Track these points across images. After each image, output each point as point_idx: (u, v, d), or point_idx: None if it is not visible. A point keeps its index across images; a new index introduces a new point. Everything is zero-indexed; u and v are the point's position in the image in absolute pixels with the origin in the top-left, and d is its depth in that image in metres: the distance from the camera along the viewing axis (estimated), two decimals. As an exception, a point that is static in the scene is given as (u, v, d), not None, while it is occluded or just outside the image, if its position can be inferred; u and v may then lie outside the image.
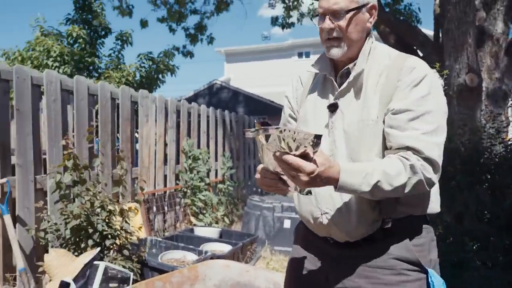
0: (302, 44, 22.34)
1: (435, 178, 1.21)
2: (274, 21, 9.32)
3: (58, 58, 7.15)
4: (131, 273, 2.60)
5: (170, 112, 5.01)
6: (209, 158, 5.55)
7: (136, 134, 4.58)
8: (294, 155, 1.06)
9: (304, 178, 1.08)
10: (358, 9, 1.29)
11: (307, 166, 1.07)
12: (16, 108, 2.98)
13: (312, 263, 1.41)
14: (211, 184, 5.47)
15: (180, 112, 5.24)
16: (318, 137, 1.07)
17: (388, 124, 1.24)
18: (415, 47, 6.09)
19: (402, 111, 1.22)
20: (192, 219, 4.95)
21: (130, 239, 3.00)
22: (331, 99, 1.34)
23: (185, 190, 5.02)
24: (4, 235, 2.79)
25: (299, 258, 1.45)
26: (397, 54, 1.33)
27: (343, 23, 1.28)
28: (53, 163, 3.16)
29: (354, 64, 1.32)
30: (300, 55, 22.75)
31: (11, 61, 7.12)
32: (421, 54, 5.84)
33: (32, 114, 3.07)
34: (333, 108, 1.33)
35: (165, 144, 4.93)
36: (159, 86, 8.77)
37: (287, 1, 9.04)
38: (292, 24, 9.37)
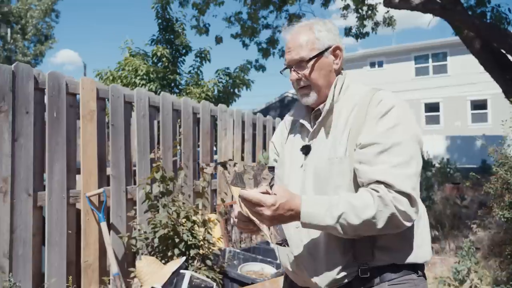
0: (374, 53, 21.73)
1: (412, 211, 1.15)
2: (348, 31, 9.18)
3: (145, 76, 7.69)
4: (214, 283, 2.67)
5: (247, 125, 5.12)
6: (284, 170, 5.55)
7: (214, 147, 4.74)
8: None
9: (267, 212, 1.11)
10: (320, 55, 1.32)
11: (268, 198, 1.11)
12: (111, 124, 3.25)
13: None
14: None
15: (255, 125, 5.34)
16: (271, 169, 1.17)
17: (357, 159, 1.21)
18: (504, 52, 5.62)
19: (369, 145, 1.20)
20: (268, 231, 4.97)
21: (212, 249, 3.09)
22: (306, 141, 1.37)
23: (261, 202, 5.05)
24: (100, 241, 3.03)
25: None
26: (368, 90, 1.32)
27: (307, 71, 1.31)
28: (142, 175, 3.38)
29: (324, 105, 1.34)
30: (372, 64, 22.13)
31: (103, 81, 7.80)
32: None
33: (124, 129, 3.32)
34: (305, 150, 1.35)
35: (242, 158, 5.04)
36: (235, 100, 9.03)
37: (361, 11, 8.86)
38: (367, 34, 9.16)
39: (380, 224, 1.12)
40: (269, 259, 3.51)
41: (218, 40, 9.32)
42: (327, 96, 1.33)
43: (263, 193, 1.12)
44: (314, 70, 1.31)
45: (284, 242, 1.19)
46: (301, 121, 1.40)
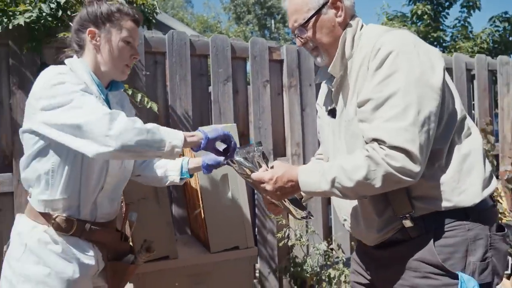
0: None
1: (412, 166, 1.08)
2: None
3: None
4: None
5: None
6: None
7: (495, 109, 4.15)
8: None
9: (269, 186, 1.23)
10: (317, 13, 1.26)
11: (265, 174, 1.24)
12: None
13: (358, 263, 1.44)
14: None
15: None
16: (258, 144, 1.31)
17: (358, 119, 1.18)
18: None
19: (365, 102, 1.15)
20: None
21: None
22: (332, 105, 1.34)
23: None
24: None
25: (353, 257, 1.50)
26: (376, 36, 1.18)
27: (309, 33, 1.28)
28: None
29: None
30: None
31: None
32: None
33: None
34: (331, 114, 1.33)
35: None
36: (517, 49, 7.60)
37: None
38: None
39: (378, 183, 1.10)
40: None
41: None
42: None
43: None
44: (316, 30, 1.27)
45: (308, 215, 1.30)
46: (323, 84, 1.41)
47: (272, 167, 1.26)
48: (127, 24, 1.40)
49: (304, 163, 2.94)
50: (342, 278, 2.52)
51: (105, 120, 1.16)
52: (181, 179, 1.55)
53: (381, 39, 1.16)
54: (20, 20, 2.05)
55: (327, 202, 3.10)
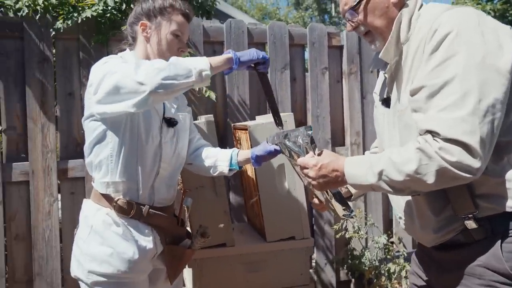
0: None
1: (471, 161, 0.95)
2: None
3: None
4: None
5: None
6: None
7: None
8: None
9: (312, 173, 1.16)
10: None
11: (310, 159, 1.17)
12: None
13: (417, 264, 1.33)
14: None
15: None
16: (308, 128, 1.27)
17: (411, 109, 1.07)
18: None
19: (418, 89, 1.03)
20: None
21: None
22: (386, 94, 1.25)
23: None
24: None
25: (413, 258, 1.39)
26: (435, 16, 1.04)
27: (361, 17, 1.18)
28: None
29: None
30: None
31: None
32: None
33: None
34: (385, 103, 1.24)
35: None
36: None
37: None
38: None
39: (430, 179, 0.99)
40: None
41: None
42: None
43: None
44: (368, 13, 1.17)
45: (350, 214, 1.24)
46: (381, 70, 1.28)
47: (320, 154, 1.19)
48: (177, 18, 1.47)
49: (364, 153, 2.84)
50: (403, 274, 2.42)
51: (131, 71, 1.24)
52: (230, 170, 1.55)
53: (440, 18, 1.03)
54: (88, 13, 2.16)
55: (387, 195, 2.99)
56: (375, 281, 2.35)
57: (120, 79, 1.23)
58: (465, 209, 1.06)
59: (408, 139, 1.09)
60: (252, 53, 1.42)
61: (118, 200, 1.37)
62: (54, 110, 2.35)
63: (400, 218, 1.28)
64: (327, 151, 1.20)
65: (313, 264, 2.77)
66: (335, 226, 2.50)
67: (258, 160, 1.50)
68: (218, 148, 1.61)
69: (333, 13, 23.49)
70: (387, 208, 2.98)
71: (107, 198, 1.38)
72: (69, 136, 2.36)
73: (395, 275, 2.44)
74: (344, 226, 2.49)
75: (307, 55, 2.82)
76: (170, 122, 1.46)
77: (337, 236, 2.54)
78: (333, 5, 23.51)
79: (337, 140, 2.86)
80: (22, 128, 2.29)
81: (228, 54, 1.40)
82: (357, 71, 2.85)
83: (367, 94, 2.88)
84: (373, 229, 2.71)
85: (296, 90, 2.79)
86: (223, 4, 6.79)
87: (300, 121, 2.78)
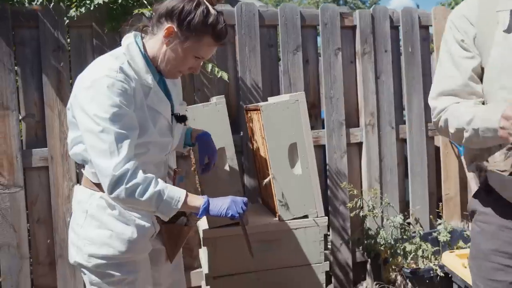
0: None
1: None
2: None
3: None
4: None
5: None
6: None
7: None
8: None
9: None
10: None
11: None
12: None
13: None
14: None
15: None
16: None
17: None
18: None
19: None
20: None
21: None
22: None
23: None
24: (460, 174, 2.96)
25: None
26: None
27: None
28: None
29: None
30: None
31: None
32: None
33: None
34: None
35: None
36: None
37: None
38: None
39: None
40: None
41: None
42: None
43: None
44: None
45: None
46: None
47: None
48: (210, 42, 1.33)
49: (379, 133, 2.82)
50: (419, 253, 2.41)
51: (110, 182, 1.20)
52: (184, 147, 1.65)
53: None
54: (99, 0, 2.19)
55: (403, 176, 2.96)
56: (390, 260, 2.34)
57: (99, 166, 1.21)
58: None
59: None
60: (222, 210, 1.36)
61: None
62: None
63: None
64: None
65: (329, 245, 2.78)
66: (349, 204, 2.50)
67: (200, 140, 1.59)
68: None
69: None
70: (403, 189, 2.96)
71: (99, 184, 1.34)
72: (86, 122, 2.41)
73: (411, 255, 2.43)
74: (358, 205, 2.48)
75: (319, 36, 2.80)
76: (181, 118, 1.48)
77: (352, 214, 2.54)
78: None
79: (351, 121, 2.84)
80: (40, 115, 2.35)
81: (201, 198, 1.34)
82: (370, 51, 2.81)
83: (381, 74, 2.84)
84: (388, 209, 2.69)
85: (309, 72, 2.77)
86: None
87: (313, 104, 2.77)
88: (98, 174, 1.22)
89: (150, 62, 1.37)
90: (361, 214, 2.46)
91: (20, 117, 2.34)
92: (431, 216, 2.85)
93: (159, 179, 1.27)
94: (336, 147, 2.75)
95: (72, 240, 1.40)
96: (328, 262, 1.96)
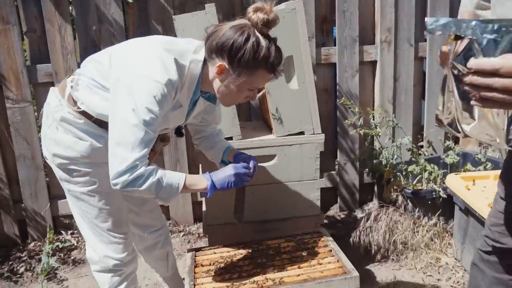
0: None
1: None
2: None
3: None
4: None
5: None
6: None
7: None
8: None
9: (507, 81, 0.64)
10: None
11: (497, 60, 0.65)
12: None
13: None
14: None
15: None
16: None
17: None
18: None
19: None
20: None
21: None
22: None
23: None
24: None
25: None
26: None
27: None
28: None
29: None
30: None
31: None
32: None
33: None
34: None
35: None
36: None
37: None
38: None
39: None
40: None
41: None
42: None
43: None
44: None
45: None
46: None
47: None
48: (261, 72, 1.29)
49: (396, 51, 2.63)
50: (425, 175, 2.34)
51: (120, 170, 1.21)
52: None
53: None
54: None
55: (420, 97, 2.80)
56: (392, 180, 2.29)
57: (115, 151, 1.21)
58: None
59: None
60: (228, 181, 1.36)
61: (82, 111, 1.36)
62: (69, 10, 2.35)
63: None
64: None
65: (336, 166, 2.75)
66: (347, 121, 2.41)
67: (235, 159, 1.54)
68: (216, 141, 1.62)
69: None
70: (419, 111, 2.82)
71: (75, 102, 1.35)
72: (87, 38, 2.38)
73: (418, 178, 2.37)
74: (360, 124, 2.41)
75: None
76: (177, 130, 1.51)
77: (352, 133, 2.47)
78: None
79: (366, 38, 2.65)
80: (41, 30, 2.33)
81: (205, 180, 1.34)
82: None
83: (401, -16, 2.58)
84: (398, 131, 2.60)
85: (321, -17, 2.55)
86: None
87: (325, 17, 2.59)
88: (111, 157, 1.23)
89: (200, 84, 1.35)
90: (361, 132, 2.37)
91: (24, 31, 2.33)
92: (446, 141, 2.73)
93: (159, 168, 1.28)
94: (348, 66, 2.60)
95: (43, 134, 1.43)
96: (323, 179, 1.94)
